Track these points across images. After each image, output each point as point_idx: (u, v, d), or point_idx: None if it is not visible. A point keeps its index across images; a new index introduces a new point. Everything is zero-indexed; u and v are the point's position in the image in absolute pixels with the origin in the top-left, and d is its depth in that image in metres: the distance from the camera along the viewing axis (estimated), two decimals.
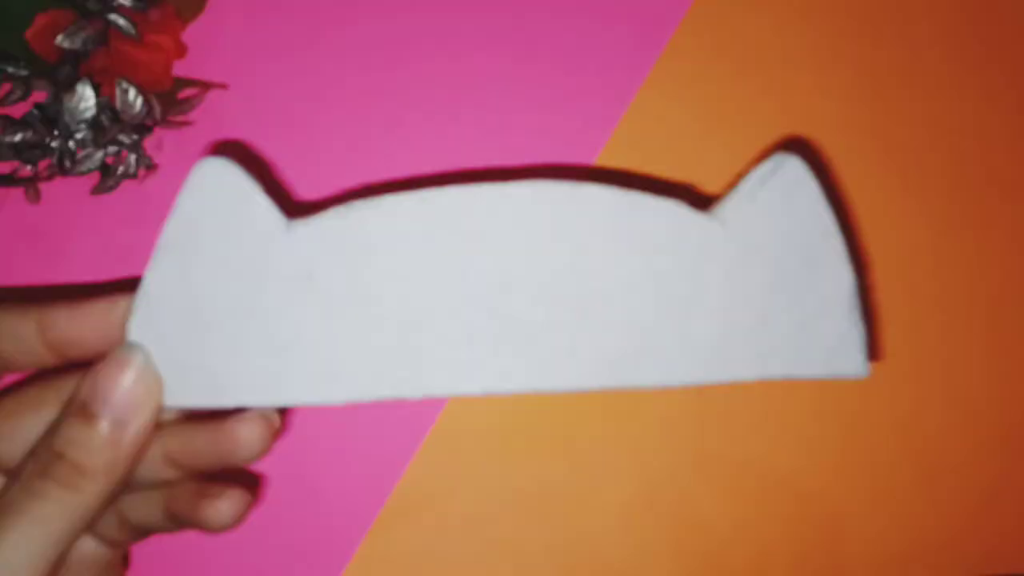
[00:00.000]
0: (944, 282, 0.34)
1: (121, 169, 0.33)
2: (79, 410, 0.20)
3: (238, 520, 0.23)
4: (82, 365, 0.22)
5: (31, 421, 0.22)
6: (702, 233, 0.22)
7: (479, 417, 0.33)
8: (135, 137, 0.33)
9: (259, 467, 0.30)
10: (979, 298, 0.35)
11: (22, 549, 0.19)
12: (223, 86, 0.34)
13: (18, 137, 0.31)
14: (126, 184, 0.34)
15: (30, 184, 0.32)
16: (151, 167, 0.34)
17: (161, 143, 0.34)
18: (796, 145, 0.33)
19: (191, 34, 0.34)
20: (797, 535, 0.34)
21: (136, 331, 0.21)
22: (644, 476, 0.34)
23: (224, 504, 0.23)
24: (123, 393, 0.20)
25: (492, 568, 0.34)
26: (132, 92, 0.31)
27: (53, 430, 0.21)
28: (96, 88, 0.31)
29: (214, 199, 0.21)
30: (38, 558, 0.19)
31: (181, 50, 0.33)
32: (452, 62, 0.35)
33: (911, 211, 0.35)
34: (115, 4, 0.31)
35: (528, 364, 0.21)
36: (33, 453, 0.21)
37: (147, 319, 0.21)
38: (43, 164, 0.32)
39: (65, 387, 0.22)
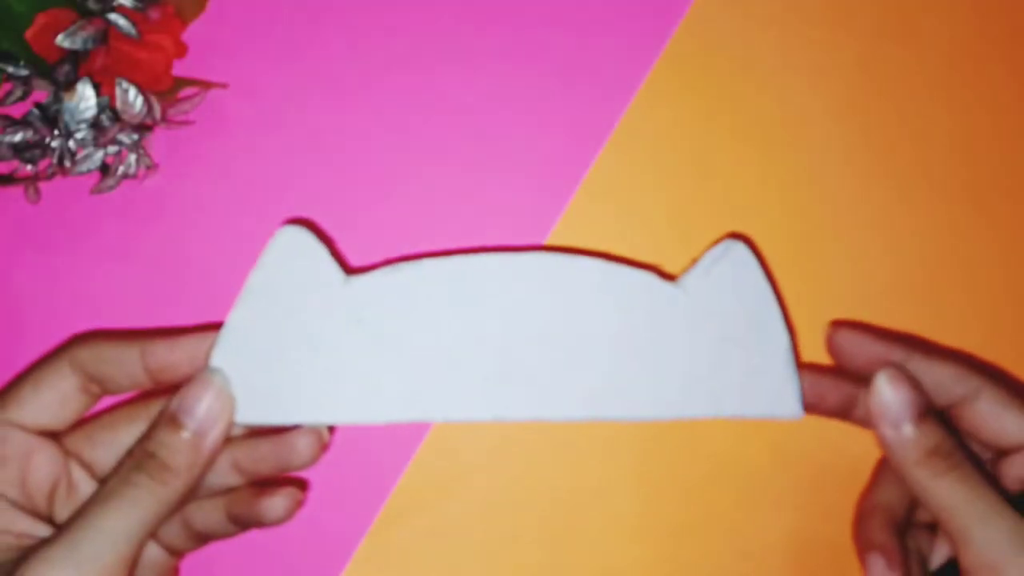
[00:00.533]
0: None
1: (121, 169, 0.33)
2: (169, 420, 0.25)
3: (291, 513, 0.28)
4: (170, 389, 0.27)
5: (125, 433, 0.27)
6: (669, 298, 0.27)
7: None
8: (135, 137, 0.33)
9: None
10: None
11: (119, 522, 0.24)
12: (223, 86, 0.34)
13: (18, 137, 0.31)
14: (126, 183, 0.34)
15: (30, 184, 0.32)
16: (151, 167, 0.34)
17: (161, 143, 0.34)
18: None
19: (191, 34, 0.34)
20: (797, 549, 0.34)
21: (218, 359, 0.26)
22: (642, 476, 0.34)
23: (279, 500, 0.27)
24: (204, 408, 0.25)
25: (491, 568, 0.34)
26: (132, 92, 0.31)
27: (147, 435, 0.26)
28: (96, 88, 0.31)
29: (290, 256, 0.26)
30: (129, 534, 0.24)
31: (181, 50, 0.33)
32: (451, 66, 0.36)
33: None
34: (115, 4, 0.31)
35: (527, 398, 0.27)
36: (130, 452, 0.25)
37: (227, 350, 0.26)
38: (43, 164, 0.32)
39: (155, 406, 0.27)
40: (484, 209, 0.35)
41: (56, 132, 0.31)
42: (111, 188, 0.33)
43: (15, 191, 0.33)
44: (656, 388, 0.27)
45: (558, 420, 0.27)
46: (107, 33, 0.31)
